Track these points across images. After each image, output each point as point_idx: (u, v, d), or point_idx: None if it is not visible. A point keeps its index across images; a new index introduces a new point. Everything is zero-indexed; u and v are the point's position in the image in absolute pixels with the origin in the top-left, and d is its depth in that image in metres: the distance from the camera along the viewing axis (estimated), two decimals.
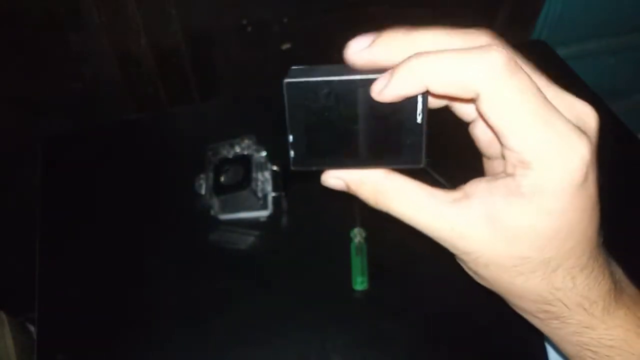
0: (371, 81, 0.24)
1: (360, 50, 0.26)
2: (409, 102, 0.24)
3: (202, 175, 0.63)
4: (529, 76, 0.23)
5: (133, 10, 0.76)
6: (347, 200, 0.62)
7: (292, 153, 0.27)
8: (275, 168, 0.64)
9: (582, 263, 0.26)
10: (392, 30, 0.25)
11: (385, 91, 0.24)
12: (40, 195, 0.66)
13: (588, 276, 0.27)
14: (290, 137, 0.27)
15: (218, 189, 0.60)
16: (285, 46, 0.88)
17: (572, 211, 0.24)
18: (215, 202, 0.61)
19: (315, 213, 0.63)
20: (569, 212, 0.24)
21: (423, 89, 0.23)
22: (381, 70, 0.24)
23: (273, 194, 0.63)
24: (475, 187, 0.26)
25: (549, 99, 0.23)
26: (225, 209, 0.61)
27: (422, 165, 0.26)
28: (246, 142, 0.63)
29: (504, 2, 0.95)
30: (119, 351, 0.53)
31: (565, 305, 0.28)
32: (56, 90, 0.83)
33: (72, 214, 0.65)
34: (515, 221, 0.25)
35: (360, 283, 0.55)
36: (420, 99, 0.24)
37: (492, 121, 0.23)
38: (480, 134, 0.28)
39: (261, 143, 0.64)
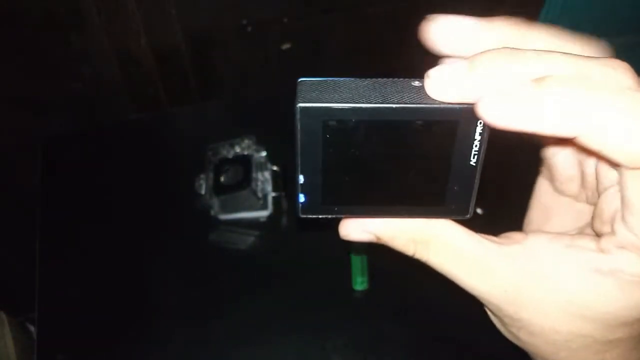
0: (420, 111, 0.18)
1: (460, 30, 0.19)
2: (463, 137, 0.19)
3: (202, 175, 0.63)
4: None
5: (133, 10, 0.76)
6: None
7: (301, 197, 0.21)
8: (275, 168, 0.64)
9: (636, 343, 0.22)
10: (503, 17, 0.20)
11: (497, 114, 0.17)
12: (40, 195, 0.66)
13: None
14: (301, 178, 0.20)
15: (218, 189, 0.60)
16: (285, 46, 0.88)
17: None
18: (215, 202, 0.61)
19: None
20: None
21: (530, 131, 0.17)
22: (428, 99, 0.18)
23: (273, 194, 0.63)
24: (537, 242, 0.21)
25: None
26: (225, 209, 0.61)
27: (468, 217, 0.21)
28: (246, 142, 0.63)
29: (503, 2, 0.95)
30: (119, 351, 0.53)
31: None
32: (56, 90, 0.83)
33: (72, 214, 0.65)
34: (587, 300, 0.20)
35: (360, 283, 0.55)
36: (478, 134, 0.19)
37: (622, 188, 0.18)
38: (562, 162, 0.23)
39: (261, 143, 0.64)
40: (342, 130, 0.19)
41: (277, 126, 0.72)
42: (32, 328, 1.06)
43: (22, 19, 0.74)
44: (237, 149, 0.63)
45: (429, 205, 0.21)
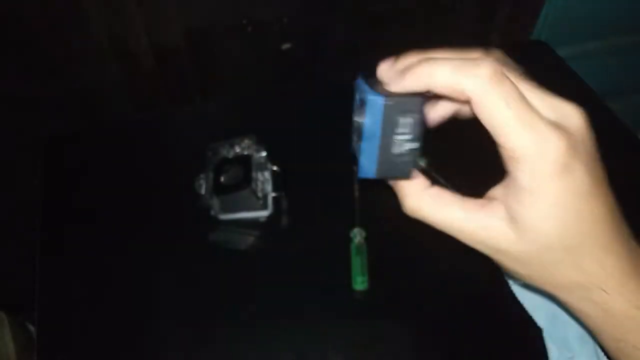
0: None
1: (387, 68, 0.31)
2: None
3: (202, 175, 0.63)
4: (513, 85, 0.27)
5: (133, 10, 0.76)
6: (347, 200, 0.62)
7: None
8: (275, 168, 0.64)
9: (604, 245, 0.29)
10: (409, 53, 0.31)
11: (396, 87, 0.29)
12: (40, 195, 0.66)
13: (618, 259, 0.29)
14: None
15: (218, 189, 0.60)
16: (285, 46, 0.88)
17: (566, 197, 0.27)
18: (215, 202, 0.61)
19: (315, 213, 0.63)
20: (564, 198, 0.27)
21: (425, 88, 0.28)
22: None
23: (273, 194, 0.63)
24: (495, 192, 0.30)
25: (534, 102, 0.27)
26: (225, 209, 0.61)
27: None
28: (246, 142, 0.63)
29: (504, 2, 0.95)
30: (119, 351, 0.53)
31: (603, 290, 0.29)
32: (56, 90, 0.83)
33: (72, 213, 0.65)
34: (527, 215, 0.28)
35: (360, 283, 0.55)
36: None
37: (484, 123, 0.27)
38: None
39: (261, 143, 0.64)
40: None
41: (277, 126, 0.73)
42: (32, 328, 1.06)
43: (22, 19, 0.74)
44: (237, 149, 0.63)
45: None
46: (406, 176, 0.30)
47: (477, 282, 0.56)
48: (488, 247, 0.30)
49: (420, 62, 0.28)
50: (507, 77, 0.27)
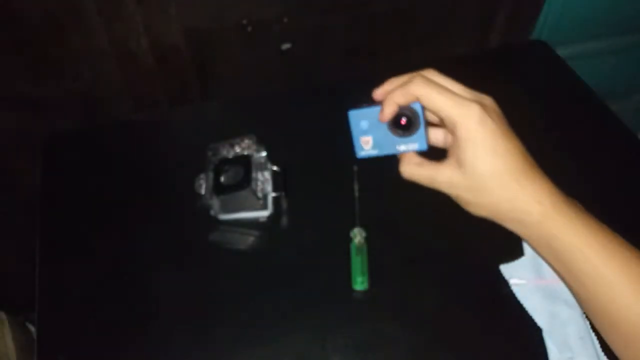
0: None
1: (382, 92, 0.47)
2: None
3: (202, 175, 0.63)
4: (439, 84, 0.43)
5: (133, 10, 0.76)
6: (347, 200, 0.62)
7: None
8: (275, 168, 0.64)
9: (521, 171, 0.42)
10: (385, 84, 0.47)
11: (393, 101, 0.45)
12: (40, 195, 0.66)
13: (532, 183, 0.42)
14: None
15: (218, 189, 0.60)
16: (285, 46, 0.88)
17: (486, 140, 0.42)
18: (215, 202, 0.61)
19: (315, 213, 0.63)
20: (485, 141, 0.42)
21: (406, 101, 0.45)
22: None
23: (273, 194, 0.63)
24: (449, 152, 0.45)
25: (458, 90, 0.44)
26: (225, 209, 0.61)
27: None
28: (246, 142, 0.63)
29: (504, 2, 0.95)
30: (119, 351, 0.53)
31: (529, 211, 0.42)
32: (56, 90, 0.83)
33: (72, 213, 0.65)
34: (464, 156, 0.43)
35: (360, 283, 0.55)
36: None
37: (430, 110, 0.44)
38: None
39: (261, 143, 0.64)
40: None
41: (277, 126, 0.73)
42: (32, 328, 1.06)
43: (22, 19, 0.74)
44: (237, 149, 0.63)
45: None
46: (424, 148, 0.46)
47: (477, 282, 0.56)
48: (448, 186, 0.44)
49: (394, 89, 0.45)
50: (434, 80, 0.44)
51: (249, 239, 0.61)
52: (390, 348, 0.52)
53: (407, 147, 0.46)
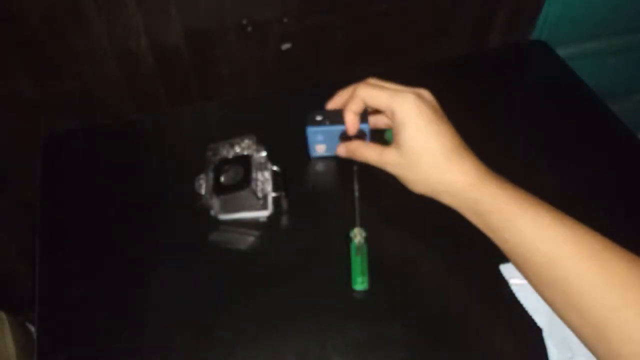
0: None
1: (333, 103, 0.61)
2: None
3: (202, 175, 0.63)
4: (377, 84, 0.55)
5: (133, 10, 0.76)
6: (347, 200, 0.62)
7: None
8: (275, 168, 0.64)
9: (453, 151, 0.50)
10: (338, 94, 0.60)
11: (348, 108, 0.57)
12: (40, 194, 0.66)
13: (460, 159, 0.50)
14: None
15: (218, 189, 0.60)
16: (285, 46, 0.88)
17: (420, 123, 0.50)
18: (215, 202, 0.61)
19: (315, 213, 0.63)
20: (419, 124, 0.50)
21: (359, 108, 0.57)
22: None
23: (273, 194, 0.63)
24: (393, 139, 0.54)
25: (397, 87, 0.54)
26: (225, 209, 0.61)
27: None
28: (246, 142, 0.63)
29: (504, 2, 0.95)
30: (119, 351, 0.53)
31: (455, 181, 0.50)
32: (56, 90, 0.83)
33: (72, 213, 0.65)
34: (402, 138, 0.51)
35: (360, 283, 0.55)
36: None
37: (374, 107, 0.55)
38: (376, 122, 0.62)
39: (261, 143, 0.64)
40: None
41: (277, 126, 0.73)
42: (32, 328, 1.06)
43: (22, 19, 0.74)
44: (237, 149, 0.63)
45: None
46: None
47: (477, 282, 0.56)
48: (390, 165, 0.54)
49: (344, 99, 0.58)
50: (375, 84, 0.54)
51: (249, 239, 0.61)
52: (391, 347, 0.52)
53: None
